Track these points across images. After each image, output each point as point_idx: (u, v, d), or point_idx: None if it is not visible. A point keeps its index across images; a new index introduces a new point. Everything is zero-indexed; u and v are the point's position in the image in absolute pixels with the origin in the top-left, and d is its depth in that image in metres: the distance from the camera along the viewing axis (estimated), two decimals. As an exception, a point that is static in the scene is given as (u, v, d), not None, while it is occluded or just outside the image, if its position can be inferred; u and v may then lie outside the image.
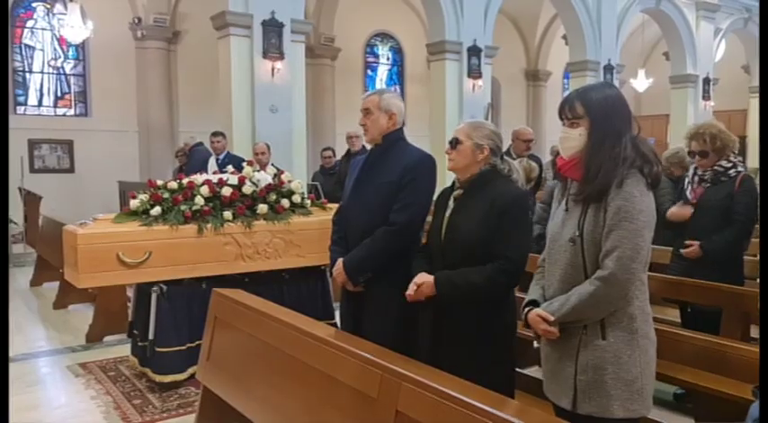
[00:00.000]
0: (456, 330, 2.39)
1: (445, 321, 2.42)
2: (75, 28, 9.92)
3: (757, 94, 17.04)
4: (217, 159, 7.39)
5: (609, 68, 13.54)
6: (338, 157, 8.35)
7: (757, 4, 16.53)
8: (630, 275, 1.89)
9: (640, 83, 15.64)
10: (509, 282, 2.40)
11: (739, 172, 3.69)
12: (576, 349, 1.97)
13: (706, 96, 15.70)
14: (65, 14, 10.79)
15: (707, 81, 15.69)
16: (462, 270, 2.37)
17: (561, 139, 2.06)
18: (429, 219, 2.73)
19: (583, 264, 1.95)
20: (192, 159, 7.75)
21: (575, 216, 1.99)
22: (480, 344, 2.38)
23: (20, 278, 7.68)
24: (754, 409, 1.78)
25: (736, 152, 3.81)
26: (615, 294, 1.90)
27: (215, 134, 7.65)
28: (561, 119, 2.07)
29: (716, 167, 3.70)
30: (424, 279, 2.44)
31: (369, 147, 3.11)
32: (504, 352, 2.44)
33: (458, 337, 2.40)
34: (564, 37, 14.84)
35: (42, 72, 11.68)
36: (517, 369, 2.68)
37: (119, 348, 4.91)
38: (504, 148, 2.81)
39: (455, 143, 2.50)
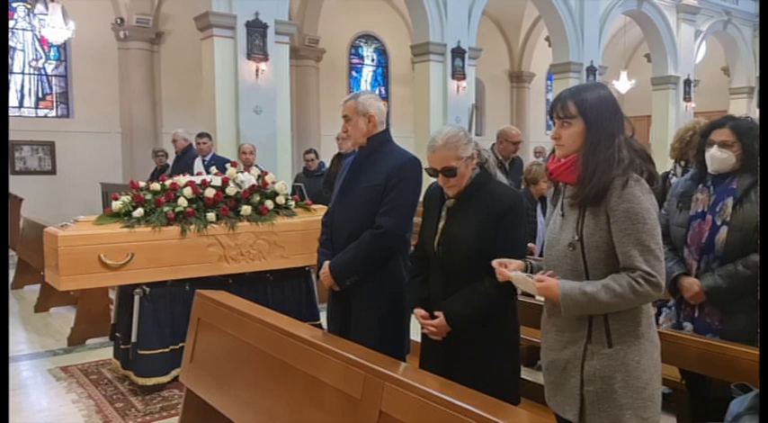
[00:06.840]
0: (462, 336, 2.37)
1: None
2: (57, 28, 9.82)
3: (737, 96, 17.36)
4: (203, 160, 7.32)
5: (591, 70, 13.66)
6: (321, 158, 8.33)
7: (736, 6, 16.80)
8: (662, 274, 1.83)
9: (622, 84, 15.77)
10: (510, 293, 2.35)
11: None
12: (580, 359, 1.89)
13: (687, 98, 15.89)
14: (46, 15, 10.70)
15: (688, 82, 15.87)
16: (463, 294, 2.34)
17: (553, 139, 1.97)
18: (417, 220, 2.72)
19: (584, 269, 1.87)
20: (188, 160, 7.55)
21: (572, 220, 1.91)
22: (486, 347, 2.36)
23: (0, 281, 7.60)
24: (734, 406, 1.81)
25: None
26: (656, 295, 1.83)
27: (200, 135, 7.57)
28: (551, 118, 1.99)
29: None
30: (435, 322, 2.38)
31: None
32: (509, 355, 2.42)
33: (463, 342, 2.37)
34: (547, 39, 14.94)
35: (23, 73, 11.54)
36: (525, 376, 2.66)
37: (101, 351, 4.86)
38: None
39: (451, 173, 2.37)
